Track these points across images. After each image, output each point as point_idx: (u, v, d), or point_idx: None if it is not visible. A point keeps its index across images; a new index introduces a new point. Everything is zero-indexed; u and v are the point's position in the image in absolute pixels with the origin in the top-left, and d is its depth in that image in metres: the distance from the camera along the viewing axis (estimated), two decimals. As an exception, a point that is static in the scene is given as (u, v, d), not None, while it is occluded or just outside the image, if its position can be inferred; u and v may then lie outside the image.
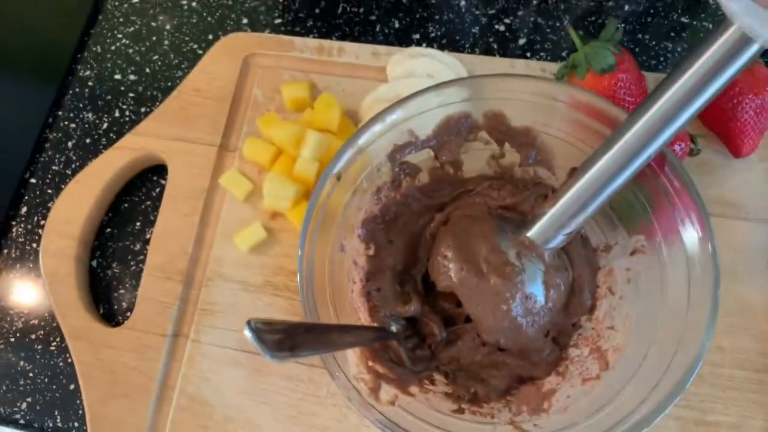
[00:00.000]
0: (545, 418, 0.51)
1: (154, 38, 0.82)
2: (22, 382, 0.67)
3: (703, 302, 0.47)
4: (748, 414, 0.58)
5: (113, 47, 0.82)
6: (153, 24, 0.83)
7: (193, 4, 0.83)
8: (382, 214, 0.59)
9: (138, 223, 0.73)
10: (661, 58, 0.76)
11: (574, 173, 0.51)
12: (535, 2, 0.80)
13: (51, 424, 0.65)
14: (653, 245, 0.53)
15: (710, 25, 0.78)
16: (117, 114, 0.78)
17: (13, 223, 0.74)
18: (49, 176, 0.76)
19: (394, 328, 0.55)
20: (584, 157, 0.51)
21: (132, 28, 0.83)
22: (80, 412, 0.65)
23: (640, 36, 0.77)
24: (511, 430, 0.50)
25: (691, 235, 0.49)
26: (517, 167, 0.60)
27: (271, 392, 0.62)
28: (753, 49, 0.39)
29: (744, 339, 0.61)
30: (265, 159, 0.68)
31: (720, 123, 0.65)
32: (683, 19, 0.78)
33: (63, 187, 0.72)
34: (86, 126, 0.78)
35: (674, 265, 0.50)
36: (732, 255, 0.63)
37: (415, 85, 0.61)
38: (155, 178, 0.75)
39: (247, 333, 0.30)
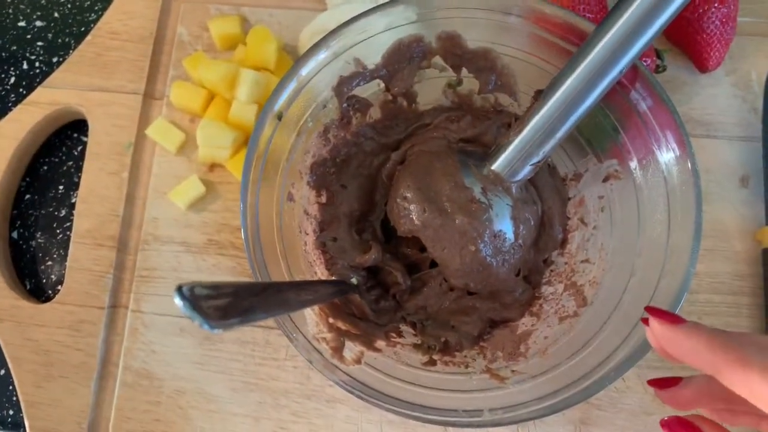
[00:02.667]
0: (523, 363, 0.47)
1: (60, -23, 0.73)
2: (-56, 372, 0.60)
3: (684, 226, 0.44)
4: (726, 338, 0.56)
5: (13, -10, 0.72)
6: (57, -39, 0.73)
7: (102, -64, 0.74)
8: (332, 156, 0.53)
9: (61, 187, 0.65)
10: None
11: (539, 96, 0.47)
12: None
13: (-17, 415, 0.59)
14: (627, 169, 0.49)
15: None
16: (25, 66, 0.70)
17: None
18: (-47, 141, 0.67)
19: (354, 280, 0.50)
20: (549, 79, 0.46)
21: (33, -32, 0.73)
22: (14, 398, 0.59)
23: (594, -51, 0.72)
24: (487, 379, 0.46)
25: (667, 154, 0.45)
26: (477, 95, 0.54)
27: (224, 359, 0.57)
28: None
29: (718, 262, 0.58)
30: (197, 104, 0.61)
31: (685, 36, 0.61)
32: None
33: (-31, 151, 0.63)
34: (-10, 82, 0.69)
35: (651, 189, 0.47)
36: (702, 176, 0.59)
37: (359, 12, 0.55)
38: (75, 135, 0.67)
39: (178, 301, 0.24)
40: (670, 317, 0.35)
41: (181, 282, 0.25)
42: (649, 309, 0.36)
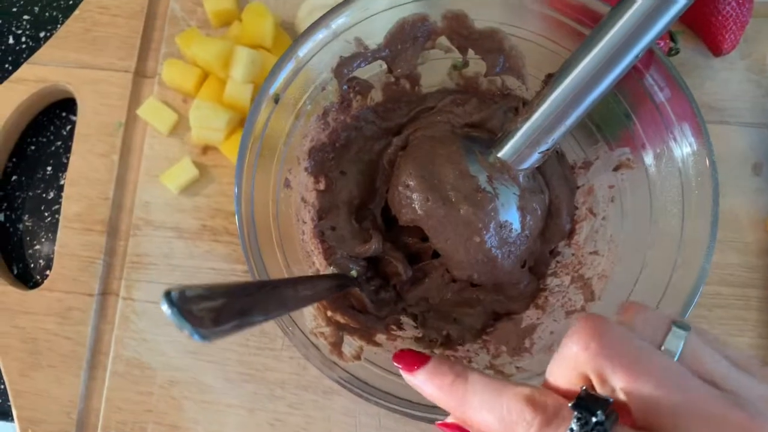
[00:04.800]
0: (528, 359, 0.46)
1: (47, -53, 0.69)
2: (-71, 359, 0.58)
3: (700, 220, 0.42)
4: (735, 332, 0.55)
5: (-2, -40, 0.69)
6: (44, -70, 0.70)
7: None
8: (332, 141, 0.51)
9: (49, 168, 0.63)
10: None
11: (550, 80, 0.44)
12: None
13: (-31, 403, 0.57)
14: (639, 158, 0.47)
15: None
16: (11, 41, 0.67)
17: None
18: (-64, 119, 0.64)
19: (353, 272, 0.48)
20: (560, 62, 0.44)
21: (18, -63, 0.70)
22: (2, 386, 0.57)
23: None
24: (491, 375, 0.45)
25: (683, 144, 0.44)
26: (483, 77, 0.52)
27: (219, 349, 0.55)
28: None
29: (729, 254, 0.57)
30: (190, 84, 0.58)
31: (699, 17, 0.59)
32: None
33: (-47, 130, 0.61)
34: (-25, 57, 0.66)
35: (664, 180, 0.45)
36: (714, 163, 0.58)
37: (360, -13, 0.52)
38: (64, 114, 0.64)
39: (166, 309, 0.22)
40: (412, 361, 0.34)
41: (169, 286, 0.23)
42: (395, 357, 0.35)
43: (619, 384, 0.26)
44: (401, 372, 0.34)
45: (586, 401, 0.26)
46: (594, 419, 0.25)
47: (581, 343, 0.27)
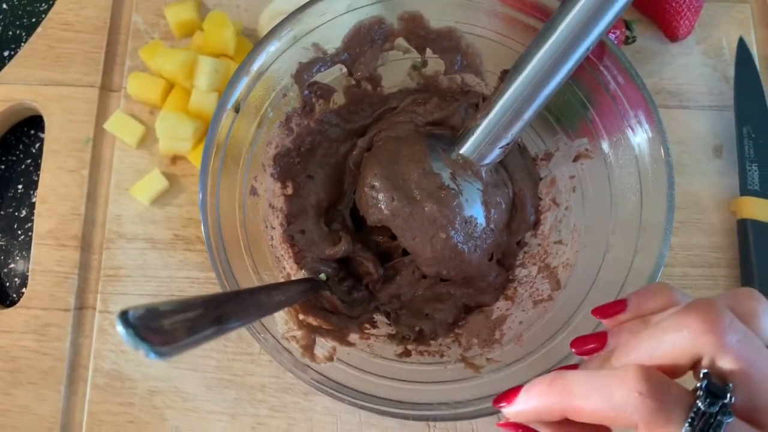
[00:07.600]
0: (498, 350, 0.47)
1: (7, -34, 0.69)
2: None
3: (657, 205, 0.43)
4: (703, 312, 0.56)
5: (-42, -19, 0.69)
6: (2, -52, 0.70)
7: None
8: (296, 146, 0.51)
9: (20, 186, 0.63)
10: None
11: (506, 76, 0.45)
12: None
13: (-48, 425, 0.57)
14: (597, 148, 0.48)
15: None
16: (-25, 61, 0.67)
17: None
18: None
19: (322, 276, 0.49)
20: (515, 57, 0.45)
21: (-23, -44, 0.70)
22: (-16, 406, 0.57)
23: None
24: (462, 369, 0.46)
25: (638, 131, 0.45)
26: (443, 76, 0.53)
27: (197, 356, 0.56)
28: None
29: (694, 235, 0.58)
30: (155, 95, 0.59)
31: (654, 4, 0.60)
32: None
33: None
34: (-61, 79, 0.66)
35: (622, 167, 0.46)
36: (675, 147, 0.59)
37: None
38: (32, 131, 0.64)
39: (121, 329, 0.22)
40: (511, 395, 0.33)
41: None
42: (495, 402, 0.34)
43: (732, 375, 0.26)
44: (504, 410, 0.33)
45: (708, 384, 0.26)
46: (720, 402, 0.26)
47: (708, 325, 0.27)
